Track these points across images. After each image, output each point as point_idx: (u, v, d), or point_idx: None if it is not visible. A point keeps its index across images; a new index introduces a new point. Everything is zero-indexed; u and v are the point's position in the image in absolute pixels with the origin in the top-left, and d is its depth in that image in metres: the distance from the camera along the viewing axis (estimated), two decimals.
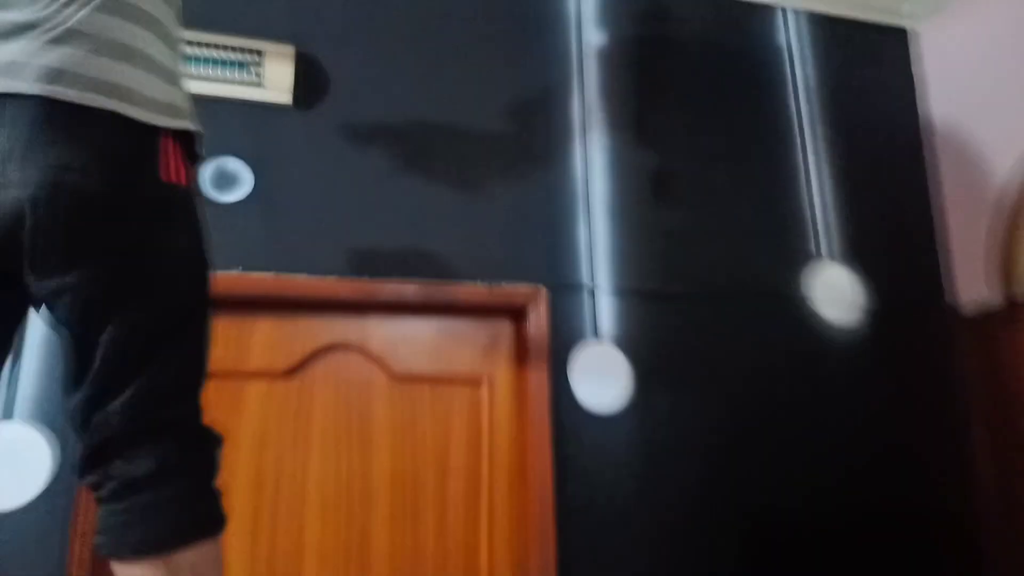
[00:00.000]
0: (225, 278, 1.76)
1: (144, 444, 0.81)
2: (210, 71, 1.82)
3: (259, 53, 1.87)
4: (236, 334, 1.85)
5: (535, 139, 2.19)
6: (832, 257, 2.43)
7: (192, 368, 0.89)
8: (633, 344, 2.13)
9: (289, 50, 1.92)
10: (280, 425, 1.88)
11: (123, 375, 0.81)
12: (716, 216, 2.33)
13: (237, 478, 1.81)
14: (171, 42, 0.91)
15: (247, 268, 1.80)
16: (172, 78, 0.89)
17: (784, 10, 2.62)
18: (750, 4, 2.58)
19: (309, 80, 1.98)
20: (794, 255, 2.38)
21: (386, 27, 2.12)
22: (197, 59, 1.80)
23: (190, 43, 1.80)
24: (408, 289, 1.95)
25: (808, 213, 2.44)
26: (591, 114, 2.28)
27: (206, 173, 1.82)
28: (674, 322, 2.19)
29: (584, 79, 2.30)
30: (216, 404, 1.84)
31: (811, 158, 2.50)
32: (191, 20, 1.54)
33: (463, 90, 2.15)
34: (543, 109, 2.23)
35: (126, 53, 0.83)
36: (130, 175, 0.81)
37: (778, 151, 2.47)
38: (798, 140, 2.51)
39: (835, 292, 2.40)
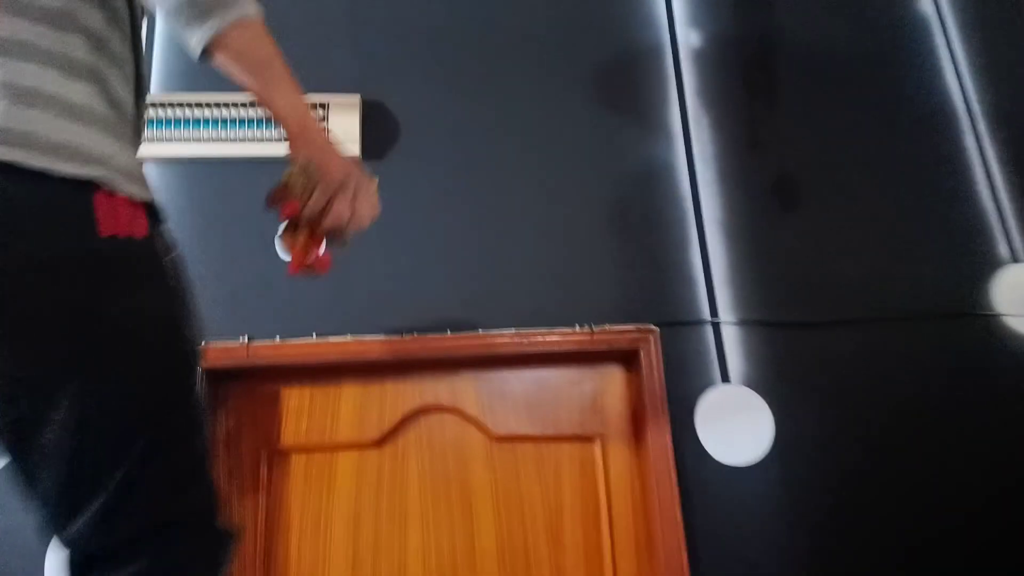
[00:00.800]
0: (301, 346, 1.67)
1: (130, 558, 0.67)
2: (270, 132, 1.76)
3: (323, 106, 1.79)
4: (320, 404, 1.74)
5: (630, 158, 1.95)
6: (1020, 258, 1.96)
7: (180, 455, 0.72)
8: (769, 384, 1.79)
9: (354, 99, 1.83)
10: (375, 498, 1.73)
11: (87, 483, 0.66)
12: (861, 226, 1.94)
13: (332, 558, 1.68)
14: (91, 80, 0.74)
15: (323, 334, 1.69)
16: (89, 119, 0.72)
17: None
18: None
19: (377, 128, 1.87)
20: (969, 262, 1.94)
21: (456, 60, 1.98)
22: (260, 122, 1.75)
23: (246, 106, 1.75)
24: (500, 341, 1.75)
25: (985, 209, 1.99)
26: (695, 123, 2.00)
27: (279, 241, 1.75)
28: (818, 355, 1.83)
29: (683, 85, 2.03)
30: (306, 480, 1.75)
31: (983, 142, 2.05)
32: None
33: (546, 117, 1.96)
34: (637, 124, 1.98)
35: (14, 94, 0.67)
36: (38, 235, 0.65)
37: (935, 141, 2.05)
38: (963, 123, 2.07)
39: None
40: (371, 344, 1.70)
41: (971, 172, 2.02)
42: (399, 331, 1.71)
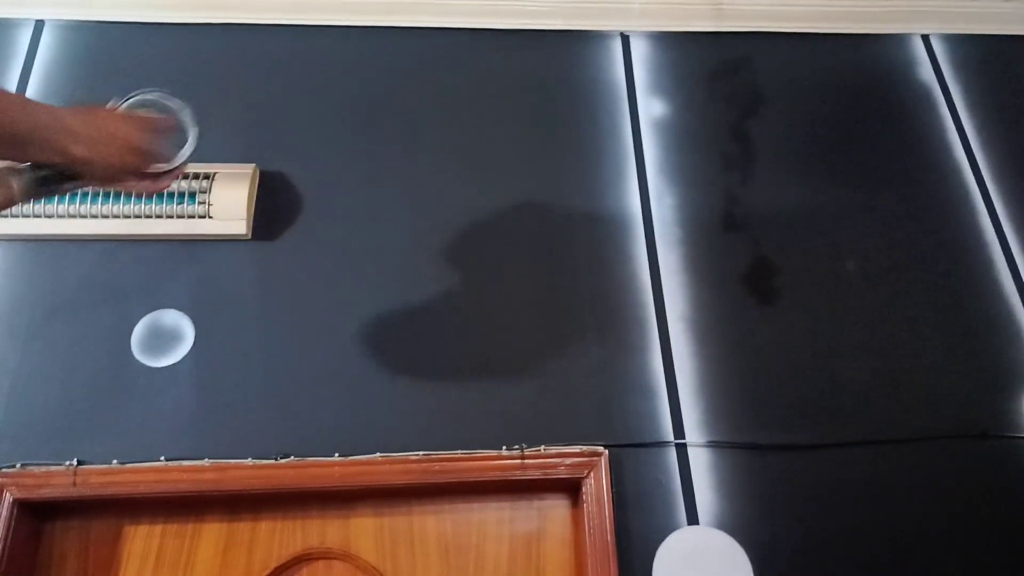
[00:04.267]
0: (147, 472, 1.32)
1: None
2: (145, 207, 1.46)
3: (207, 177, 1.50)
4: (172, 548, 1.36)
5: (579, 243, 1.63)
6: None
7: None
8: (749, 525, 1.41)
9: (246, 169, 1.55)
10: None
11: None
12: (859, 325, 1.60)
13: None
14: None
15: (174, 458, 1.34)
16: None
17: (924, 37, 1.96)
18: (865, 36, 1.94)
19: (273, 203, 1.58)
20: (992, 368, 1.59)
21: (377, 129, 1.71)
22: (128, 195, 1.46)
23: None
24: (406, 467, 1.39)
25: (1010, 305, 1.65)
26: (656, 202, 1.70)
27: (135, 334, 1.43)
28: (810, 487, 1.46)
29: (643, 159, 1.74)
30: None
31: (1002, 226, 1.74)
32: None
33: (474, 196, 1.66)
34: (588, 205, 1.68)
35: None
36: None
37: (945, 224, 1.74)
38: (976, 204, 1.77)
39: None
40: (237, 470, 1.34)
41: (990, 261, 1.70)
42: (273, 454, 1.36)
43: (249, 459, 1.35)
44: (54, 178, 0.82)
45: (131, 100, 1.04)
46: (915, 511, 1.45)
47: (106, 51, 1.64)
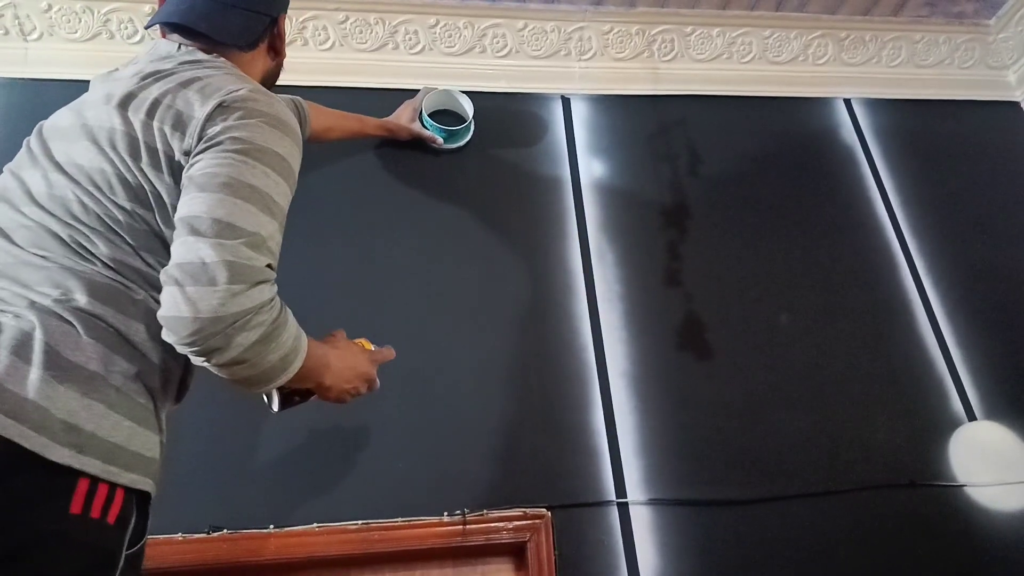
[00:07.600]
0: None
1: None
2: None
3: None
4: None
5: (520, 302, 1.65)
6: (980, 416, 1.68)
7: None
8: None
9: None
10: None
11: None
12: (793, 378, 1.65)
13: None
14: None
15: None
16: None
17: (846, 101, 2.06)
18: (792, 99, 2.04)
19: None
20: (919, 421, 1.65)
21: (317, 184, 1.71)
22: None
23: None
24: (343, 537, 1.36)
25: (932, 358, 1.73)
26: (597, 260, 1.73)
27: None
28: (751, 541, 1.48)
29: (584, 218, 1.78)
30: None
31: (922, 281, 1.83)
32: None
33: (417, 252, 1.67)
34: (533, 264, 1.70)
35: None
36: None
37: (870, 279, 1.82)
38: (898, 260, 1.85)
39: (992, 463, 1.63)
40: (166, 546, 1.29)
41: (911, 315, 1.78)
42: (204, 528, 1.31)
43: (179, 534, 1.30)
44: (299, 394, 1.01)
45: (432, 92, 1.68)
46: (850, 561, 1.48)
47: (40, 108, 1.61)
